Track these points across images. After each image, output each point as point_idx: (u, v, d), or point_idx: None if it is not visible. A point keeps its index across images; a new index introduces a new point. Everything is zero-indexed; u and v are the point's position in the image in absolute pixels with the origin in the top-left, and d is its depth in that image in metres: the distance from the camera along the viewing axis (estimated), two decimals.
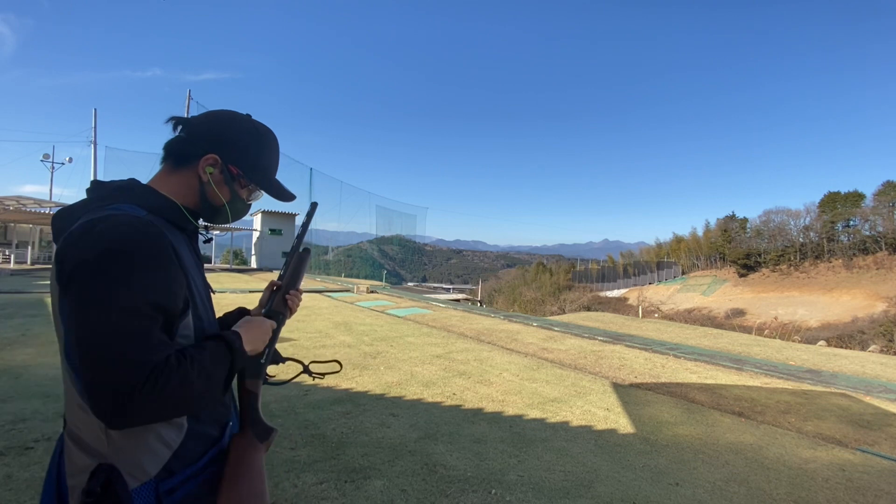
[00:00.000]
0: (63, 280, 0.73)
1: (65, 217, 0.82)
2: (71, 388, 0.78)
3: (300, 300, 1.10)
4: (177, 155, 0.93)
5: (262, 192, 1.02)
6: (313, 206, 1.22)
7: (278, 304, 1.05)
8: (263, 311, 1.04)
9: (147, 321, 0.72)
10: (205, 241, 1.04)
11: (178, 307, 0.79)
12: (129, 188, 0.86)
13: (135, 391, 0.67)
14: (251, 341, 0.90)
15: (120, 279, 0.71)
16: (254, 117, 1.01)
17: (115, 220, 0.75)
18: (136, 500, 0.76)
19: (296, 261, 1.10)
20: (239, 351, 0.84)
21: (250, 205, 1.04)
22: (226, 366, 0.81)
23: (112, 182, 0.88)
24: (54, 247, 0.80)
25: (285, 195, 1.03)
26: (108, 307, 0.69)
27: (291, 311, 1.07)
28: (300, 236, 1.11)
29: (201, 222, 1.00)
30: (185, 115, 0.95)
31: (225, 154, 0.93)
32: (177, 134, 0.93)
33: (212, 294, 1.00)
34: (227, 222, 1.03)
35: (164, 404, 0.71)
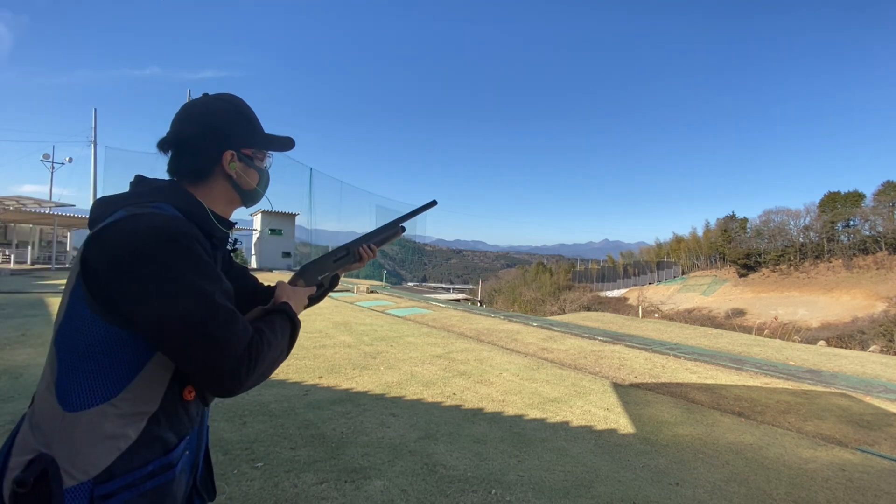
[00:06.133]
0: (103, 265, 0.75)
1: (106, 205, 0.85)
2: (49, 369, 0.78)
3: (373, 255, 1.23)
4: (193, 172, 0.93)
5: (270, 153, 1.06)
6: (433, 202, 1.36)
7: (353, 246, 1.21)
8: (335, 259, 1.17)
9: (227, 300, 0.81)
10: (231, 250, 1.08)
11: (231, 290, 0.87)
12: (168, 189, 0.89)
13: (241, 363, 0.77)
14: (297, 308, 1.03)
15: (190, 265, 0.77)
16: (253, 115, 1.01)
17: (159, 216, 0.80)
18: (68, 502, 0.72)
19: (389, 225, 1.27)
20: (297, 323, 0.97)
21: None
22: (287, 335, 0.93)
23: (155, 181, 0.91)
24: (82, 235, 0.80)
25: (286, 144, 1.06)
26: (195, 291, 0.76)
27: (362, 259, 1.21)
28: (406, 216, 1.28)
29: (232, 234, 1.03)
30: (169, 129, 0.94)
31: (233, 144, 0.95)
32: (168, 153, 0.93)
33: None
34: (261, 198, 1.08)
35: (261, 372, 0.83)
